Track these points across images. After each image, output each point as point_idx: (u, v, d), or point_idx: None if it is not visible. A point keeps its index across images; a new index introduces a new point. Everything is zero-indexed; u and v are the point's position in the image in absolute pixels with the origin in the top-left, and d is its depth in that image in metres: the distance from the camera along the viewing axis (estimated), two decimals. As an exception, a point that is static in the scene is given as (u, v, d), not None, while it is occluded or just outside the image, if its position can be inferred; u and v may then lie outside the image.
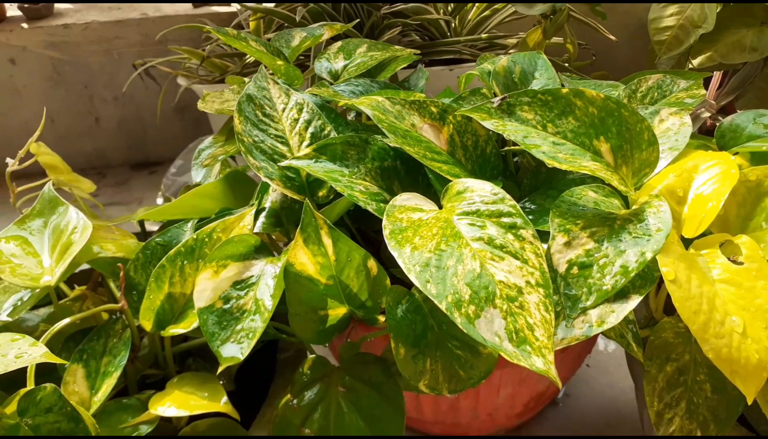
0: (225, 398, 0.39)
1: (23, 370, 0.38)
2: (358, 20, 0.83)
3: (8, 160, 0.61)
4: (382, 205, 0.41)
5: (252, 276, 0.41)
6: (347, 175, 0.43)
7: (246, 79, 0.68)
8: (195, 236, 0.43)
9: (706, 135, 0.54)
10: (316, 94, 0.52)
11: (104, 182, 1.15)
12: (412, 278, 0.34)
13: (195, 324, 0.40)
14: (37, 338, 0.38)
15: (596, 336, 0.56)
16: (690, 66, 0.84)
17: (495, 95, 0.53)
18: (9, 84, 1.13)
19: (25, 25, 1.10)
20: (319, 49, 0.72)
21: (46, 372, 0.43)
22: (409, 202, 0.40)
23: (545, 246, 0.37)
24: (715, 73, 0.93)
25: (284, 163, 0.43)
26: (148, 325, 0.42)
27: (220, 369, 0.37)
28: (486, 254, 0.36)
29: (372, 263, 0.40)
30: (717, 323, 0.34)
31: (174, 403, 0.38)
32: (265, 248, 0.43)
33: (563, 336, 0.35)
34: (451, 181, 0.41)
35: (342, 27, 0.70)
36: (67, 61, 1.12)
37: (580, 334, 0.35)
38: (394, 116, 0.45)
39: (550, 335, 0.33)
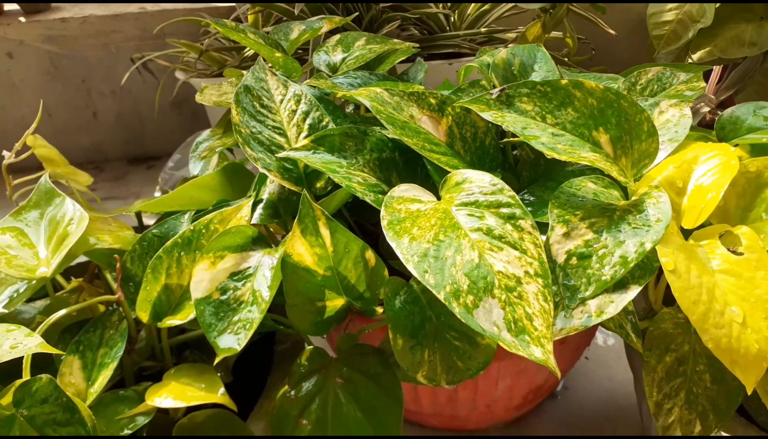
0: (222, 389, 0.39)
1: (19, 362, 0.37)
2: (356, 14, 0.83)
3: (4, 153, 0.61)
4: (380, 196, 0.41)
5: (249, 267, 0.41)
6: (345, 166, 0.43)
7: (244, 73, 0.67)
8: (192, 227, 0.43)
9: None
10: (314, 86, 0.52)
11: (102, 177, 1.15)
12: (410, 268, 0.34)
13: (192, 315, 0.40)
14: (34, 330, 0.37)
15: (595, 328, 0.56)
16: (689, 61, 0.84)
17: (494, 87, 0.53)
18: (6, 78, 1.13)
19: (22, 19, 1.09)
20: (317, 43, 0.71)
21: (43, 365, 0.42)
22: (407, 193, 0.40)
23: (544, 237, 0.37)
24: (714, 67, 0.93)
25: (282, 154, 0.43)
26: (144, 316, 0.42)
27: (217, 360, 0.37)
28: (484, 244, 0.35)
29: (370, 254, 0.40)
30: (717, 313, 0.34)
31: (171, 394, 0.38)
32: (263, 240, 0.43)
33: (562, 326, 0.35)
34: (449, 172, 0.41)
35: (341, 20, 0.69)
36: (64, 55, 1.12)
37: (579, 324, 0.35)
38: (392, 107, 0.44)
39: (549, 325, 0.33)
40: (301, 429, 0.39)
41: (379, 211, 0.37)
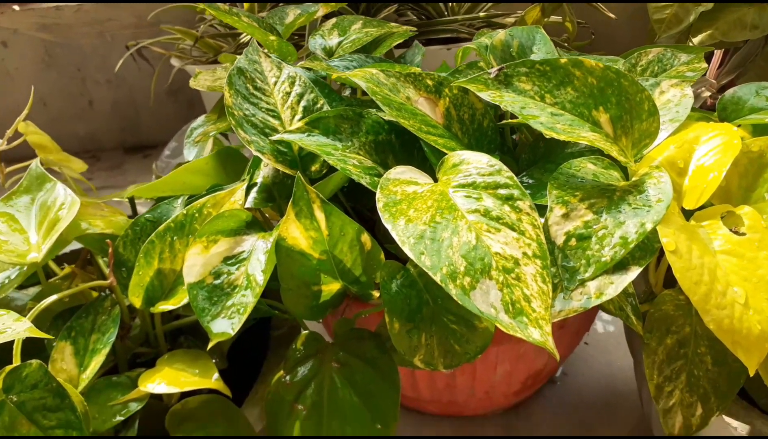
0: (216, 375, 0.38)
1: (10, 350, 0.37)
2: (353, -2, 0.82)
3: (-3, 139, 0.60)
4: (376, 179, 0.40)
5: (243, 251, 0.40)
6: (340, 149, 0.42)
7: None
8: (185, 211, 0.42)
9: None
10: (309, 69, 0.51)
11: (98, 166, 1.14)
12: (406, 250, 0.34)
13: (185, 300, 0.39)
14: (25, 316, 0.37)
15: (595, 312, 0.55)
16: (690, 45, 0.83)
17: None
18: (0, 67, 1.11)
19: (16, 7, 1.08)
20: (313, 27, 0.70)
21: (35, 352, 0.42)
22: (403, 175, 0.39)
23: (543, 220, 0.36)
24: (715, 52, 0.92)
25: (276, 137, 0.42)
26: (137, 301, 0.41)
27: (210, 345, 0.37)
28: (482, 225, 0.35)
29: (366, 238, 0.39)
30: (718, 294, 0.33)
31: (164, 380, 0.38)
32: (257, 224, 0.42)
33: (561, 308, 0.34)
34: (446, 154, 0.40)
35: (337, 5, 0.68)
36: (59, 44, 1.11)
37: (579, 306, 0.34)
38: (388, 89, 0.44)
39: (548, 307, 0.32)
40: (296, 414, 0.38)
41: (375, 197, 0.37)
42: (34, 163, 0.47)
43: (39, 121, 0.65)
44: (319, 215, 0.38)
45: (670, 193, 0.35)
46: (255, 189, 0.45)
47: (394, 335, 0.37)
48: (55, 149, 0.61)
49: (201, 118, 0.64)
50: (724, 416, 0.39)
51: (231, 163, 0.51)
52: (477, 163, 0.38)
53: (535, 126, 0.38)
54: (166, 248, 0.41)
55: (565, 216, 0.36)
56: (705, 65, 0.52)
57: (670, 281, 0.40)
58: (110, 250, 0.42)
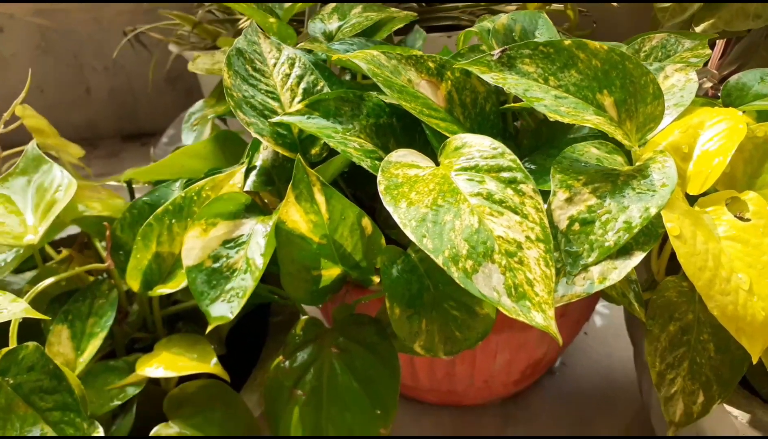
0: (215, 359, 0.38)
1: (6, 334, 0.36)
2: (353, -16, 0.81)
3: (-7, 123, 0.59)
4: (377, 162, 0.39)
5: (242, 235, 0.40)
6: (341, 131, 0.41)
7: (238, 41, 0.66)
8: (183, 194, 0.42)
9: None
10: (309, 51, 0.50)
11: (95, 154, 1.14)
12: (407, 232, 0.33)
13: (183, 284, 0.39)
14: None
15: (595, 301, 0.55)
16: (693, 33, 0.82)
17: (494, 53, 0.51)
18: (-4, 52, 1.10)
19: (11, -8, 1.07)
20: (313, 12, 0.70)
21: (32, 336, 0.41)
22: (405, 158, 0.39)
23: (546, 205, 0.36)
24: (717, 42, 0.91)
25: (275, 119, 0.42)
26: (135, 285, 0.40)
27: (209, 328, 0.36)
28: (484, 209, 0.34)
29: (366, 222, 0.39)
30: (722, 280, 0.33)
31: (162, 364, 0.37)
32: (256, 207, 0.42)
33: (564, 293, 0.34)
34: (448, 137, 0.40)
35: (337, -11, 0.67)
36: (55, 30, 1.09)
37: (581, 291, 0.34)
38: (389, 71, 0.43)
39: (551, 291, 0.32)
40: (295, 399, 0.38)
41: (376, 182, 0.36)
42: (31, 145, 0.47)
43: (36, 109, 0.65)
44: (320, 198, 0.38)
45: (674, 178, 0.35)
46: (254, 172, 0.45)
47: (394, 320, 0.37)
48: (52, 134, 0.60)
49: (199, 103, 0.63)
50: (725, 405, 0.38)
51: (230, 147, 0.50)
52: (479, 146, 0.37)
53: (539, 109, 0.38)
54: (165, 231, 0.41)
55: (569, 200, 0.36)
56: (709, 51, 0.51)
57: (672, 269, 0.40)
58: (108, 232, 0.42)
